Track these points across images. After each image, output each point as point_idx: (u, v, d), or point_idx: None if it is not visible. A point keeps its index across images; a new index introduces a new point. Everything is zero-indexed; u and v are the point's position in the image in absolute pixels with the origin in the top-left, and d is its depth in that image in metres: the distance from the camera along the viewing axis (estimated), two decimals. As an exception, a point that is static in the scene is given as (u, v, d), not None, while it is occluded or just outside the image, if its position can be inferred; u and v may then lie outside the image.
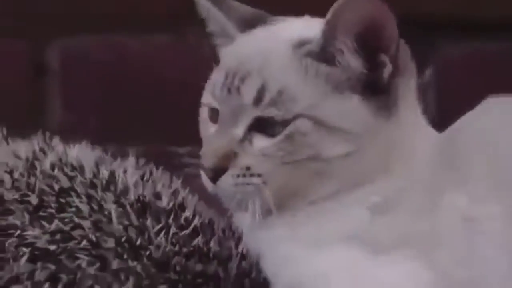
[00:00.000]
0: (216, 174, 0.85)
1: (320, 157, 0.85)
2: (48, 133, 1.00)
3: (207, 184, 0.88)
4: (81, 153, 0.97)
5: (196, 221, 0.92)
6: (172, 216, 0.91)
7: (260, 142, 0.85)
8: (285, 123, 0.84)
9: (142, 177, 0.95)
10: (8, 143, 0.99)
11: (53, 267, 0.85)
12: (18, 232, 0.86)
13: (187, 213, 0.92)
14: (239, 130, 0.85)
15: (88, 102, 1.51)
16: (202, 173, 0.88)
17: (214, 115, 0.89)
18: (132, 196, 0.90)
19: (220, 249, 0.91)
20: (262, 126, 0.85)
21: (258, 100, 0.84)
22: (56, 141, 0.99)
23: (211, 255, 0.90)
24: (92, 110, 1.50)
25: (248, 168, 0.85)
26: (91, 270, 0.85)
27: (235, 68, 0.87)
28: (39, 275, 0.84)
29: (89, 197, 0.89)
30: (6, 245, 0.85)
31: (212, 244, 0.91)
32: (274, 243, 0.89)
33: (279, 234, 0.88)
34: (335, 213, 0.87)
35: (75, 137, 1.10)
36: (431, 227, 0.87)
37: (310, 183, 0.87)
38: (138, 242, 0.87)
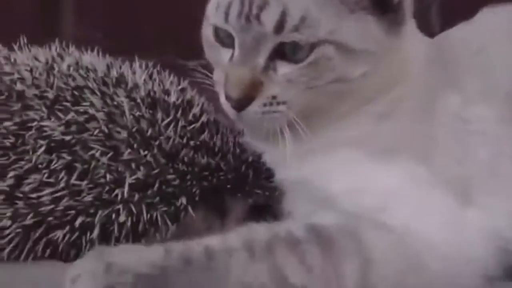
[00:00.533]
0: (242, 104, 0.86)
1: (342, 80, 0.86)
2: (64, 42, 1.04)
3: (229, 111, 0.88)
4: (94, 59, 1.01)
5: (204, 118, 0.96)
6: (180, 111, 0.94)
7: (284, 68, 0.86)
8: (308, 48, 0.85)
9: (150, 77, 0.99)
10: (30, 50, 1.02)
11: (68, 157, 0.89)
12: (37, 125, 0.90)
13: (195, 110, 0.96)
14: (261, 59, 0.85)
15: (100, 14, 1.50)
16: (223, 100, 0.88)
17: (226, 39, 0.88)
18: (142, 92, 0.94)
19: (222, 144, 0.95)
20: (284, 53, 0.85)
21: (279, 28, 0.84)
22: (72, 49, 1.03)
23: (216, 149, 0.95)
24: (103, 22, 1.49)
25: (274, 97, 0.86)
26: (104, 160, 0.89)
27: None
28: (56, 165, 0.89)
29: (102, 93, 0.93)
30: (26, 137, 0.90)
31: (216, 139, 0.95)
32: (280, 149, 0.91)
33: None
34: (342, 123, 0.90)
35: (87, 47, 1.14)
36: (428, 129, 0.91)
37: (330, 104, 0.89)
38: (149, 133, 0.91)
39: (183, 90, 0.99)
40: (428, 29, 1.01)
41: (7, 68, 0.95)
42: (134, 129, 0.91)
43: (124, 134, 0.91)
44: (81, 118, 0.90)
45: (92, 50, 1.06)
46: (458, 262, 0.83)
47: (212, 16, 0.89)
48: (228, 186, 0.95)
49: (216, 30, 0.89)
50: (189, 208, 0.92)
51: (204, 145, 0.94)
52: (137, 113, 0.92)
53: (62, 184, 0.88)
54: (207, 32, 0.91)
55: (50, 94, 0.92)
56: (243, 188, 0.96)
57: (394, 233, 0.83)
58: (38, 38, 1.27)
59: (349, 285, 0.79)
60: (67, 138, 0.89)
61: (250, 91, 0.85)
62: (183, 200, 0.91)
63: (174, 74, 1.04)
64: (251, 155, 0.97)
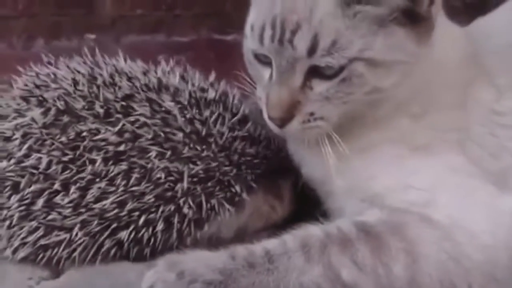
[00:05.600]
0: (283, 122, 0.89)
1: (376, 90, 0.88)
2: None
3: (272, 127, 0.92)
4: (130, 65, 1.05)
5: (244, 109, 1.01)
6: (222, 106, 1.00)
7: (319, 86, 0.88)
8: (340, 67, 0.86)
9: (183, 78, 1.03)
10: (67, 64, 1.04)
11: (125, 166, 0.94)
12: (90, 136, 0.94)
13: (234, 101, 1.02)
14: (297, 79, 0.88)
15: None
16: (266, 117, 0.92)
17: (264, 58, 0.91)
18: (186, 94, 0.99)
19: (266, 132, 1.01)
20: (318, 71, 0.87)
21: (312, 52, 0.85)
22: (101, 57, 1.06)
23: (261, 138, 1.01)
24: (141, 1, 1.52)
25: (311, 114, 0.89)
26: (160, 163, 0.94)
27: (282, 17, 0.87)
28: (113, 173, 0.94)
29: (149, 100, 0.97)
30: (81, 148, 0.94)
31: (260, 129, 1.01)
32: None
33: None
34: (380, 124, 0.93)
35: (125, 29, 1.16)
36: (462, 122, 0.94)
37: (365, 112, 0.91)
38: (204, 132, 0.97)
39: (212, 84, 1.04)
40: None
41: (52, 85, 0.99)
42: (188, 130, 0.96)
43: (180, 135, 0.96)
44: (133, 127, 0.95)
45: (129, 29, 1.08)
46: (497, 250, 0.88)
47: (249, 39, 0.91)
48: (278, 170, 1.02)
49: (255, 54, 0.92)
50: (243, 194, 0.98)
51: (250, 135, 1.00)
52: (188, 115, 0.97)
53: (121, 188, 0.94)
54: (249, 57, 0.94)
55: (98, 106, 0.96)
56: (290, 171, 1.02)
57: (439, 228, 0.87)
58: (79, 18, 1.31)
59: (398, 281, 0.85)
60: (122, 147, 0.94)
61: (289, 110, 0.88)
62: (237, 188, 0.98)
63: (212, 50, 1.07)
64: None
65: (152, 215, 0.95)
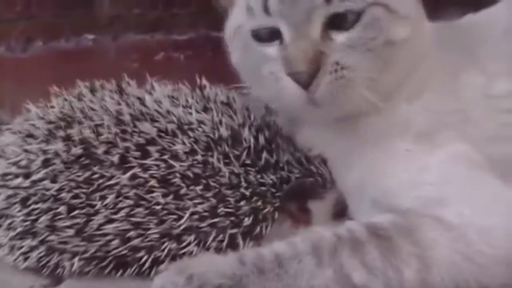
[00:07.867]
0: (311, 76, 0.89)
1: (390, 42, 0.91)
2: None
3: (298, 95, 0.91)
4: (157, 96, 1.06)
5: (261, 139, 1.00)
6: (230, 143, 0.99)
7: (340, 36, 0.90)
8: (359, 14, 0.89)
9: (204, 109, 1.03)
10: (94, 95, 1.07)
11: (131, 201, 0.97)
12: (105, 180, 0.97)
13: (245, 135, 1.00)
14: (316, 30, 0.89)
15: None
16: (287, 84, 0.91)
17: (267, 35, 0.92)
18: (196, 135, 0.99)
19: (287, 159, 1.00)
20: (335, 22, 0.89)
21: None
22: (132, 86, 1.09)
23: (281, 164, 1.00)
24: (137, 2, 1.53)
25: (337, 63, 0.90)
26: (163, 201, 0.96)
27: None
28: (122, 205, 0.96)
29: (163, 149, 0.98)
30: (95, 185, 0.97)
31: (278, 154, 1.00)
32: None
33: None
34: (383, 111, 0.94)
35: (123, 29, 1.16)
36: (459, 105, 0.96)
37: (382, 72, 0.92)
38: (204, 174, 0.97)
39: (231, 117, 1.02)
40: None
41: (81, 120, 1.02)
42: (186, 173, 0.97)
43: (178, 177, 0.97)
44: (143, 174, 0.97)
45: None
46: (509, 243, 0.88)
47: (246, 20, 0.93)
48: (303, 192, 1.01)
49: (254, 32, 0.93)
50: (258, 227, 0.98)
51: (268, 164, 0.99)
52: (191, 159, 0.98)
53: (123, 217, 0.96)
54: (238, 43, 0.95)
55: (116, 153, 0.98)
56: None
57: (451, 229, 0.87)
58: (77, 18, 1.32)
59: (409, 284, 0.85)
60: (133, 190, 0.97)
61: (315, 61, 0.89)
62: (249, 220, 0.97)
63: (210, 47, 1.11)
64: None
65: (159, 253, 0.96)
